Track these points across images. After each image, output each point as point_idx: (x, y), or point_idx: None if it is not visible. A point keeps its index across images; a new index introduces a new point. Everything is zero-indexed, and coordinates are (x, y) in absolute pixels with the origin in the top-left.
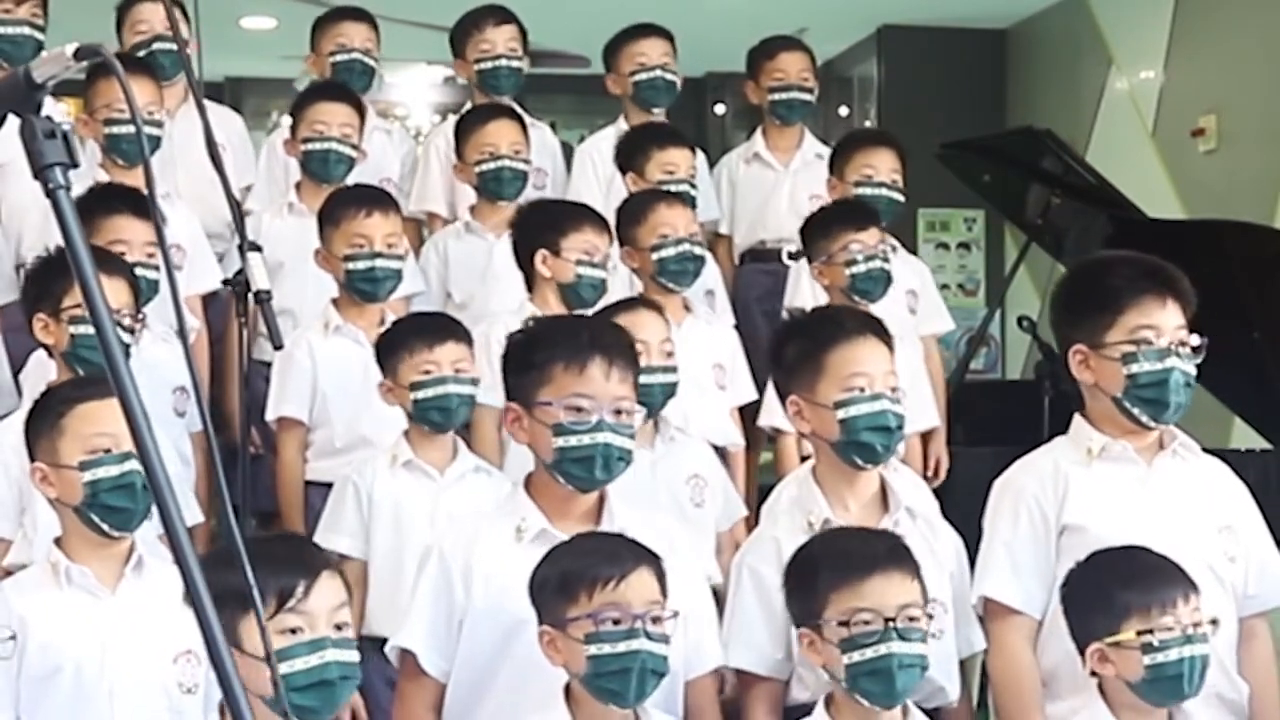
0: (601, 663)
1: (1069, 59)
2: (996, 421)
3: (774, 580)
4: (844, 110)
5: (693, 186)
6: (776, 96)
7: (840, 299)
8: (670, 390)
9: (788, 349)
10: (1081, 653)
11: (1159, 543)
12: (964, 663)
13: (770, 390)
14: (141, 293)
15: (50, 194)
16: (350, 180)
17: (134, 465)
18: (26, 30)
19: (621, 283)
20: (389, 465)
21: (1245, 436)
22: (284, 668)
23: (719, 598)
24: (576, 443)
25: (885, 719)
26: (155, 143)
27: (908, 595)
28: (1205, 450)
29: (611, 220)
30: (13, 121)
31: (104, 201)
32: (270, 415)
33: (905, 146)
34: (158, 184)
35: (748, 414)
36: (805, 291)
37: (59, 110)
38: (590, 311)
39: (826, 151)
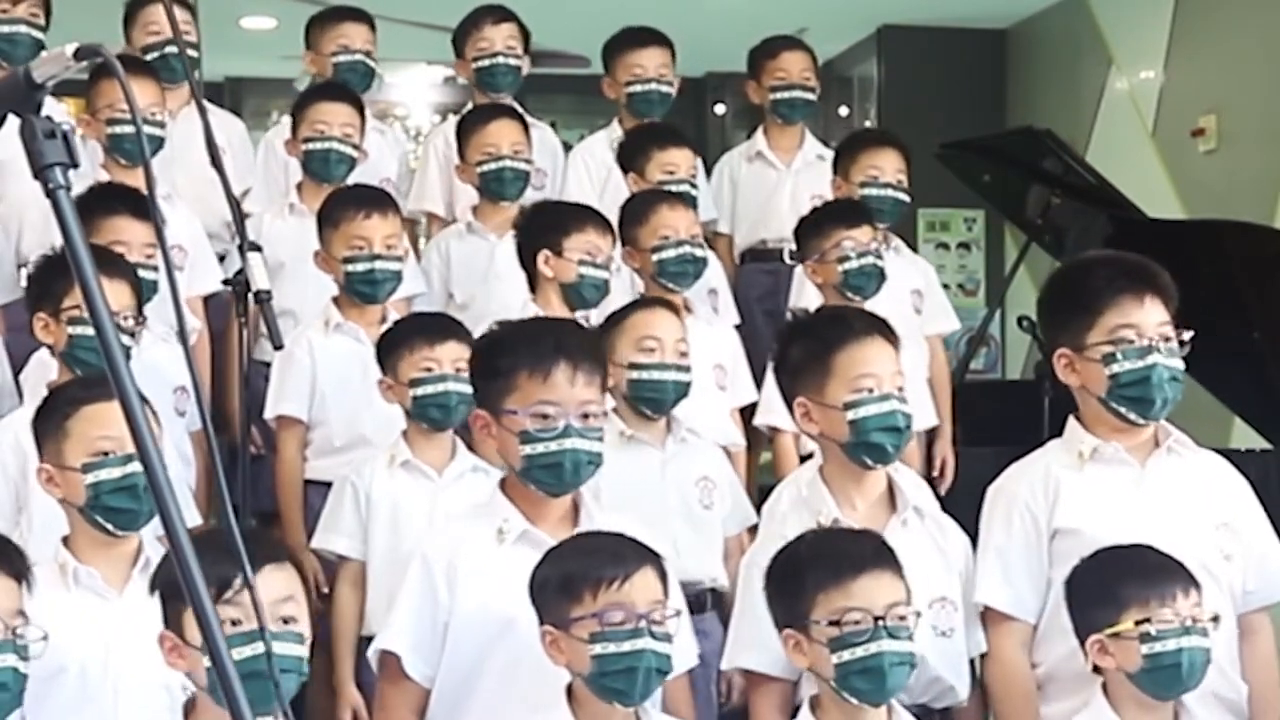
0: (606, 662)
1: (1069, 59)
2: (996, 421)
3: None
4: (844, 110)
5: (693, 187)
6: (779, 96)
7: (834, 296)
8: (683, 390)
9: (793, 350)
10: (1084, 646)
11: (1152, 543)
12: (973, 662)
13: (768, 389)
14: (142, 294)
15: (50, 194)
16: (350, 181)
17: (136, 467)
18: (24, 29)
19: (623, 283)
20: (387, 465)
21: (1245, 436)
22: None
23: (724, 602)
24: (544, 450)
25: (870, 718)
26: (158, 143)
27: (895, 594)
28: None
29: (612, 221)
30: (13, 121)
31: (103, 202)
32: (269, 413)
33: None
34: (159, 185)
35: (746, 413)
36: (810, 292)
37: (59, 110)
38: (606, 311)
39: (828, 153)
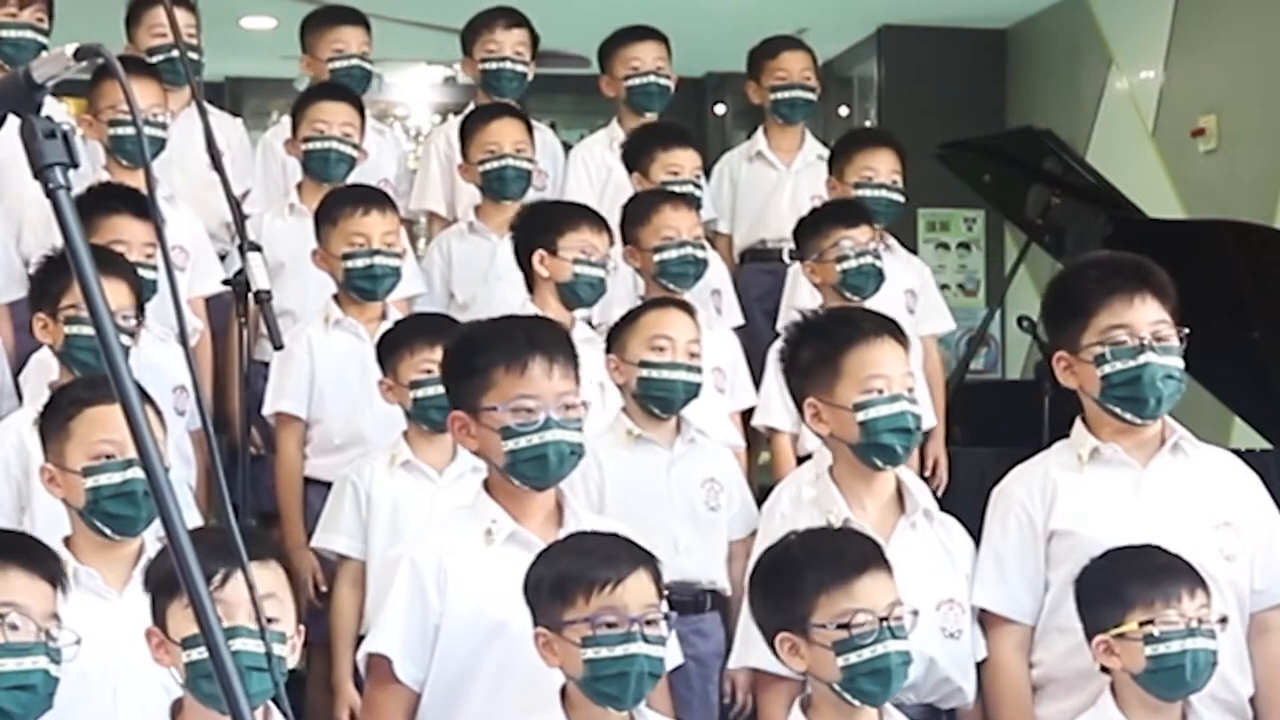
0: (599, 666)
1: (1069, 59)
2: (996, 421)
3: None
4: (844, 110)
5: (697, 187)
6: (779, 96)
7: (833, 296)
8: (693, 391)
9: (803, 351)
10: (1091, 646)
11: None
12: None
13: (766, 389)
14: (143, 293)
15: (50, 194)
16: (349, 181)
17: (136, 473)
18: (30, 34)
19: (626, 283)
20: (388, 465)
21: (1245, 436)
22: (195, 654)
23: (725, 603)
24: (526, 444)
25: (863, 718)
26: (160, 144)
27: (892, 593)
28: None
29: (609, 220)
30: (13, 121)
31: (103, 201)
32: (268, 409)
33: (905, 146)
34: (161, 185)
35: (746, 414)
36: (804, 291)
37: (59, 110)
38: (603, 310)
39: (828, 153)
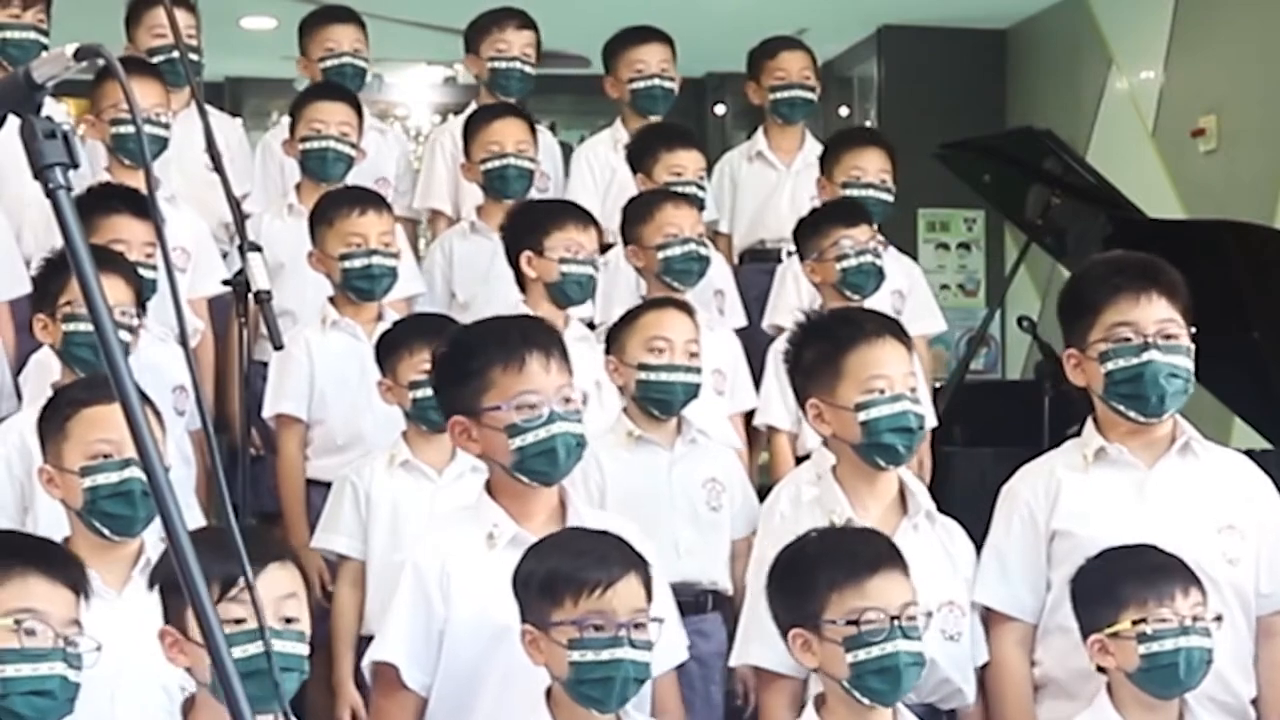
0: (584, 669)
1: (1069, 59)
2: (996, 422)
3: None
4: (844, 110)
5: (700, 188)
6: (778, 96)
7: (832, 295)
8: (691, 391)
9: (805, 351)
10: (1086, 645)
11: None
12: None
13: (765, 389)
14: (143, 291)
15: (50, 194)
16: (348, 180)
17: (133, 473)
18: (33, 35)
19: (628, 282)
20: (387, 465)
21: (1245, 436)
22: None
23: (726, 603)
24: (534, 439)
25: (876, 718)
26: (162, 144)
27: (907, 593)
28: None
29: (612, 221)
30: (12, 121)
31: (103, 201)
32: (268, 412)
33: (905, 146)
34: (162, 186)
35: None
36: (790, 291)
37: (59, 110)
38: (621, 311)
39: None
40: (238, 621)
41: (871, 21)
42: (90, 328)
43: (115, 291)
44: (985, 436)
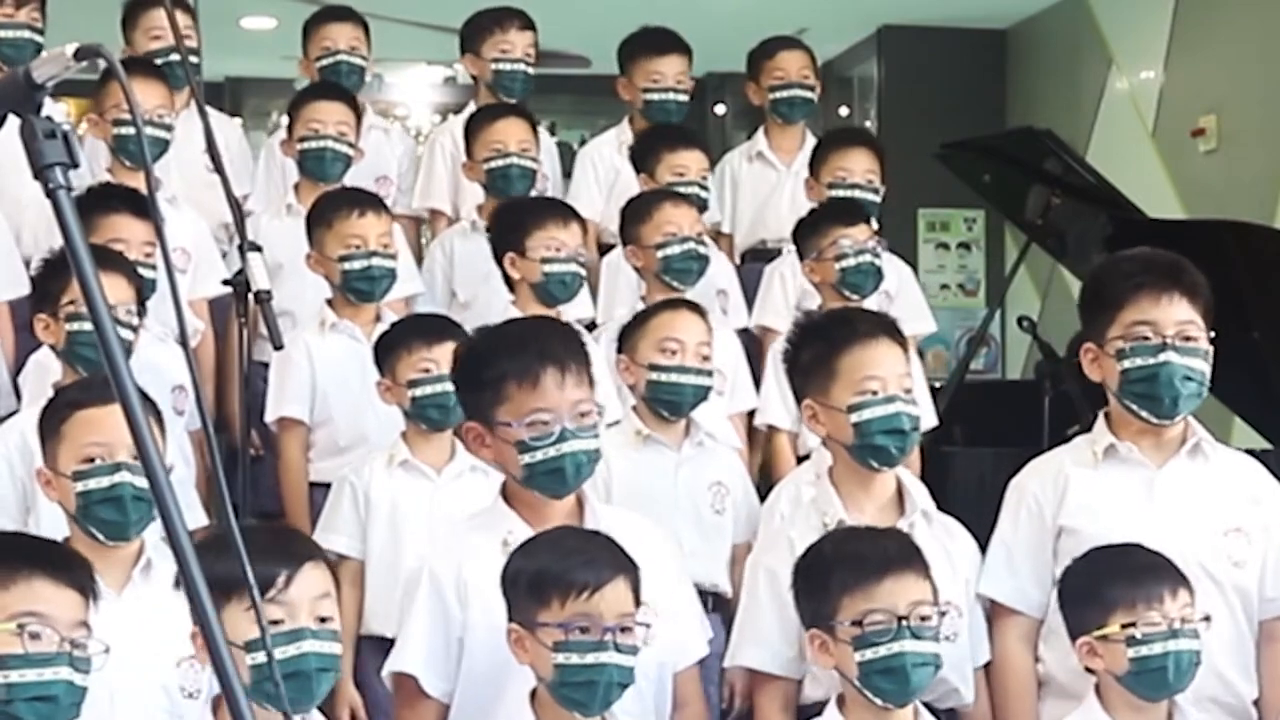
0: (568, 672)
1: (1069, 59)
2: (996, 422)
3: (788, 579)
4: (844, 110)
5: (703, 189)
6: (778, 95)
7: (832, 296)
8: (701, 394)
9: (801, 352)
10: (1075, 646)
11: (1154, 546)
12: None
13: (765, 389)
14: (143, 290)
15: (50, 194)
16: (347, 179)
17: (124, 477)
18: (27, 34)
19: (630, 282)
20: (386, 465)
21: (1245, 436)
22: (260, 657)
23: (727, 606)
24: (543, 457)
25: (896, 718)
26: (164, 145)
27: (919, 594)
28: None
29: (616, 222)
30: (12, 121)
31: (102, 200)
32: (270, 416)
33: (905, 146)
34: (163, 187)
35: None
36: (776, 294)
37: (59, 110)
38: (623, 311)
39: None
40: (275, 623)
41: (871, 21)
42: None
43: (117, 291)
44: (985, 436)
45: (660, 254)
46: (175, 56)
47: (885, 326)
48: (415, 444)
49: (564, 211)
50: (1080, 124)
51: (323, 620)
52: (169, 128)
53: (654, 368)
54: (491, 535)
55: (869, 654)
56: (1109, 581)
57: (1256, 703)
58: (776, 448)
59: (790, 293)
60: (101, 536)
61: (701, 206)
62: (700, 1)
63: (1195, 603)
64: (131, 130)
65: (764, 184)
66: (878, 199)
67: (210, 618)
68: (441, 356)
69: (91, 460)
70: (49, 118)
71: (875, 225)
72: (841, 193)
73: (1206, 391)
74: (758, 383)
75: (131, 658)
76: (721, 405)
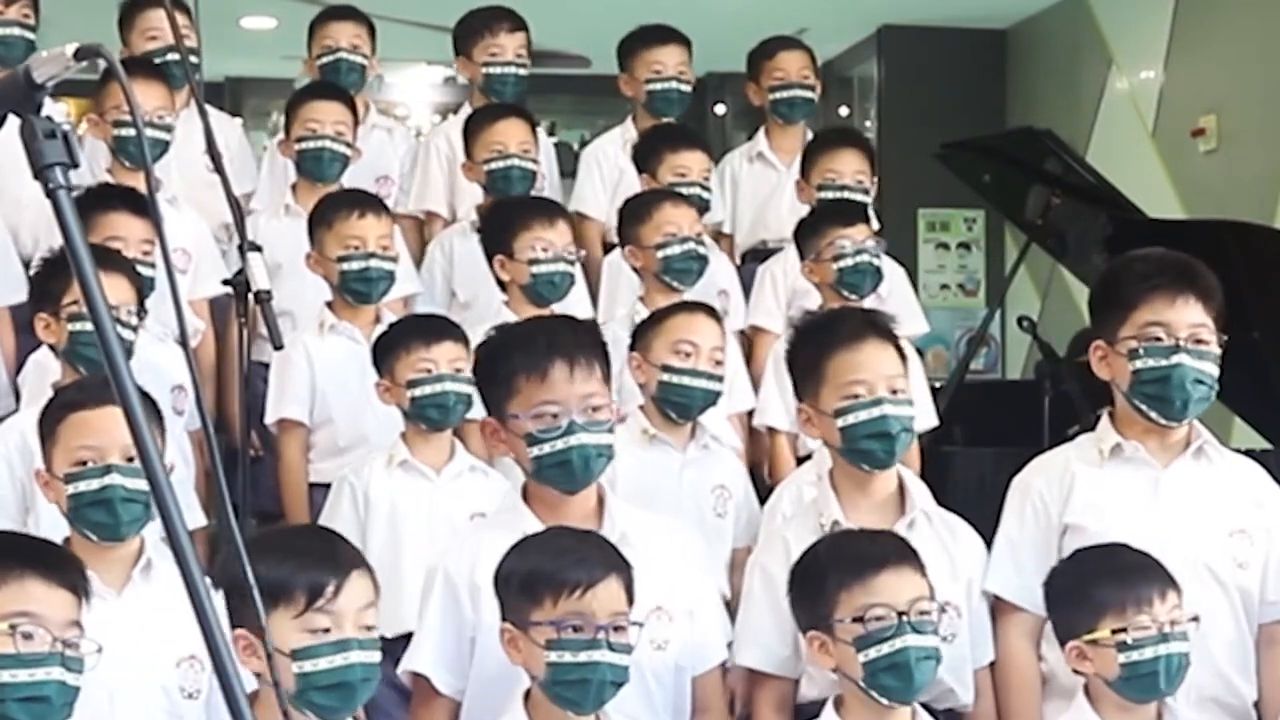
0: (561, 671)
1: (1069, 59)
2: (996, 422)
3: (783, 579)
4: (844, 110)
5: (705, 189)
6: (778, 95)
7: (831, 296)
8: (711, 399)
9: (797, 356)
10: (1063, 649)
11: (1158, 546)
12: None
13: (764, 390)
14: (142, 290)
15: (50, 194)
16: (347, 177)
17: (113, 480)
18: (17, 31)
19: (630, 283)
20: (385, 465)
21: (1245, 436)
22: (307, 666)
23: (727, 608)
24: (550, 449)
25: (895, 718)
26: (165, 146)
27: (917, 589)
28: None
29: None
30: (11, 121)
31: (100, 199)
32: (270, 418)
33: (905, 146)
34: (164, 188)
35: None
36: (768, 294)
37: (59, 110)
38: (623, 311)
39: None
40: (324, 631)
41: (871, 21)
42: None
43: (117, 291)
44: (985, 436)
45: (660, 254)
46: (174, 56)
47: (874, 327)
48: (415, 444)
49: (550, 211)
50: (1080, 124)
51: (367, 629)
52: (169, 128)
53: (667, 369)
54: (507, 535)
55: (873, 652)
56: (1097, 584)
57: (1256, 704)
58: (776, 449)
59: (781, 292)
60: (94, 537)
61: (703, 207)
62: (700, 1)
63: (1183, 603)
64: (132, 131)
65: (764, 184)
66: (868, 199)
67: (210, 617)
68: (440, 357)
69: (83, 463)
70: (49, 118)
71: (875, 225)
72: (831, 194)
73: (1214, 395)
74: (752, 382)
75: (131, 658)
76: (721, 406)
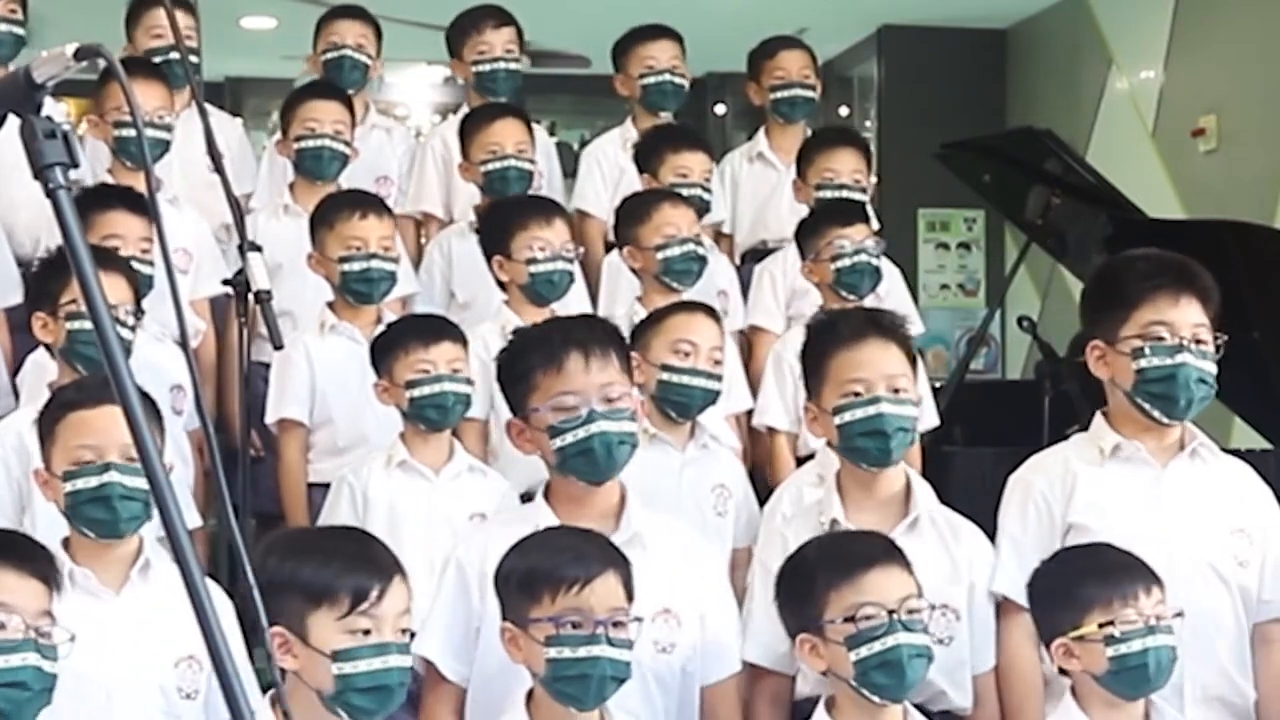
0: (560, 666)
1: (1069, 59)
2: (996, 421)
3: None
4: (844, 110)
5: (706, 190)
6: (779, 95)
7: (831, 296)
8: (710, 398)
9: (804, 356)
10: (1048, 649)
11: (1162, 545)
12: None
13: (764, 390)
14: (140, 288)
15: (50, 194)
16: (345, 177)
17: (112, 477)
18: (4, 27)
19: (630, 283)
20: (384, 465)
21: (1245, 436)
22: (347, 667)
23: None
24: (572, 439)
25: (886, 718)
26: (165, 146)
27: (906, 588)
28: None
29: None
30: (9, 121)
31: (98, 198)
32: (270, 418)
33: (905, 146)
34: (164, 187)
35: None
36: (766, 294)
37: (59, 110)
38: (623, 311)
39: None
40: (365, 633)
41: (871, 21)
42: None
43: (114, 291)
44: (985, 436)
45: (660, 255)
46: (175, 55)
47: (877, 326)
48: (413, 445)
49: (546, 210)
50: (1080, 124)
51: (403, 633)
52: (169, 128)
53: (666, 368)
54: (522, 529)
55: (864, 651)
56: (1082, 581)
57: (1256, 704)
58: (776, 449)
59: (780, 292)
60: (92, 535)
61: (703, 208)
62: (700, 1)
63: (1167, 599)
64: (132, 131)
65: (764, 184)
66: (865, 199)
67: (211, 617)
68: (438, 357)
69: (82, 462)
70: (49, 118)
71: (875, 225)
72: (829, 193)
73: (1212, 394)
74: (751, 383)
75: (129, 658)
76: (719, 406)
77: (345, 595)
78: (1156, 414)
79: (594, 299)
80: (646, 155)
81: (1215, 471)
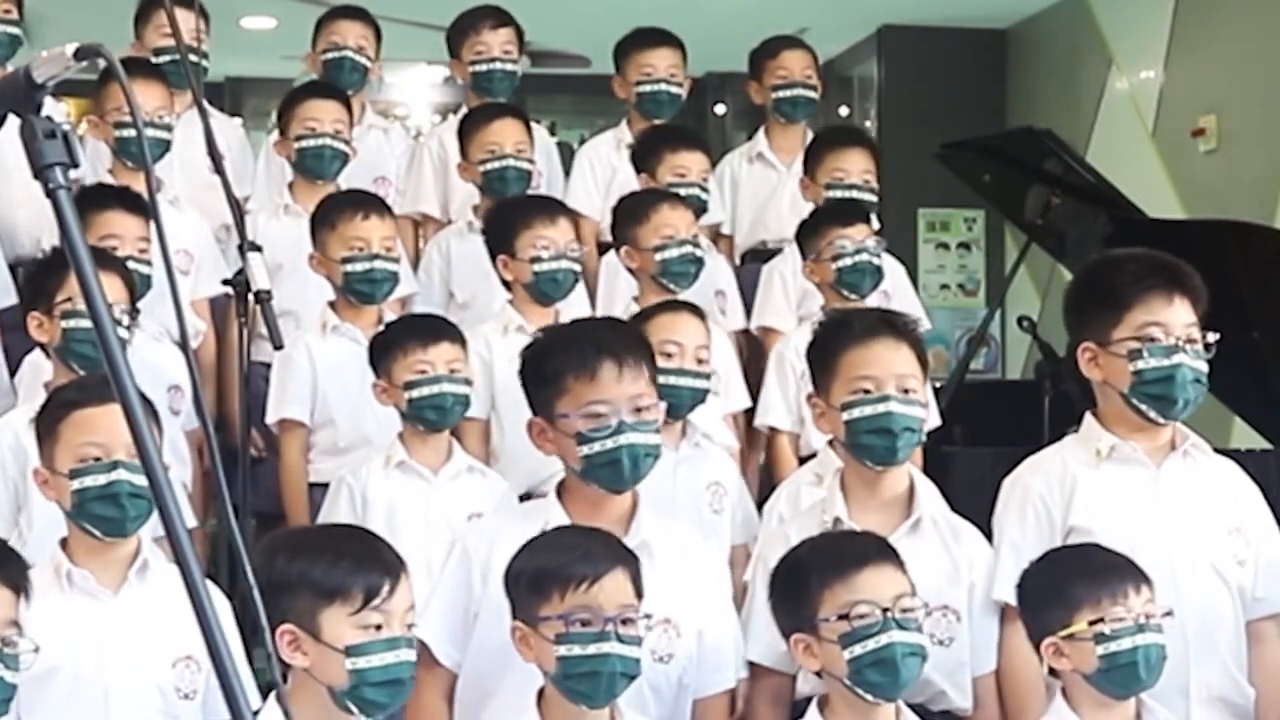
0: (571, 664)
1: (1069, 59)
2: (996, 422)
3: None
4: (844, 110)
5: (704, 190)
6: (780, 94)
7: (832, 296)
8: (699, 396)
9: (812, 353)
10: (1038, 649)
11: (1164, 545)
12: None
13: (766, 390)
14: (135, 288)
15: (50, 194)
16: (343, 178)
17: (120, 475)
18: (1, 27)
19: (629, 284)
20: (383, 466)
21: (1245, 436)
22: (361, 662)
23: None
24: (600, 449)
25: (879, 717)
26: (166, 146)
27: (900, 586)
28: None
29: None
30: (10, 121)
31: (96, 198)
32: (271, 418)
33: (905, 146)
34: (165, 188)
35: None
36: (776, 294)
37: (59, 110)
38: (621, 312)
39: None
40: (376, 628)
41: (871, 21)
42: (90, 324)
43: (110, 291)
44: (985, 436)
45: (658, 257)
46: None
47: (888, 325)
48: (412, 445)
49: (550, 209)
50: (1080, 124)
51: (410, 628)
52: (169, 128)
53: None
54: (532, 523)
55: (858, 649)
56: (1071, 581)
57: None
58: (778, 449)
59: (791, 292)
60: (98, 533)
61: (701, 208)
62: (700, 1)
63: (1163, 599)
64: (132, 132)
65: (764, 184)
66: (875, 198)
67: (210, 617)
68: (437, 357)
69: (88, 460)
70: (49, 118)
71: (876, 225)
72: (839, 193)
73: (1205, 393)
74: (756, 383)
75: (127, 658)
76: (716, 406)
77: (358, 591)
78: (1153, 415)
79: (589, 299)
80: (644, 155)
81: (1208, 471)
